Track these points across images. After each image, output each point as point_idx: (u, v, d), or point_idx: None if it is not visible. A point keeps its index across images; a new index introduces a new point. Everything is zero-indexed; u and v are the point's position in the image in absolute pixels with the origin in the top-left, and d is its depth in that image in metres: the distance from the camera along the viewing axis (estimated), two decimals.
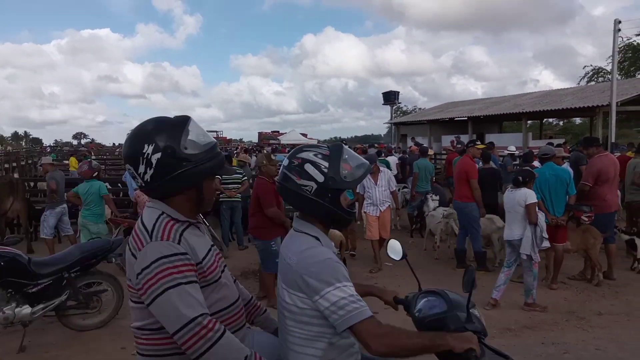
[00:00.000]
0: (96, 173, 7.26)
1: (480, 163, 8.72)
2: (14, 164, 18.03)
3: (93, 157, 17.53)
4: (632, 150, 9.92)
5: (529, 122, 30.17)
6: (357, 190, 7.11)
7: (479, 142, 7.50)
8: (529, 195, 5.36)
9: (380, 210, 7.22)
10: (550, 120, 43.58)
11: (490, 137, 22.91)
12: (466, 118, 27.25)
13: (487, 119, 27.38)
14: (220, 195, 8.79)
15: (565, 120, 43.92)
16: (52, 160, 9.38)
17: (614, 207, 6.73)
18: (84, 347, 4.64)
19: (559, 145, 9.47)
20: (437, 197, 9.06)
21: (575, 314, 5.32)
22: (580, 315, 5.26)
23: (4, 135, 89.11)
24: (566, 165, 7.52)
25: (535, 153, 9.73)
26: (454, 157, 12.14)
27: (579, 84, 36.30)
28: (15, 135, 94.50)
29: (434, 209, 8.49)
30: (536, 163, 8.10)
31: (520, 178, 5.51)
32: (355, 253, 8.12)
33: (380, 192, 7.21)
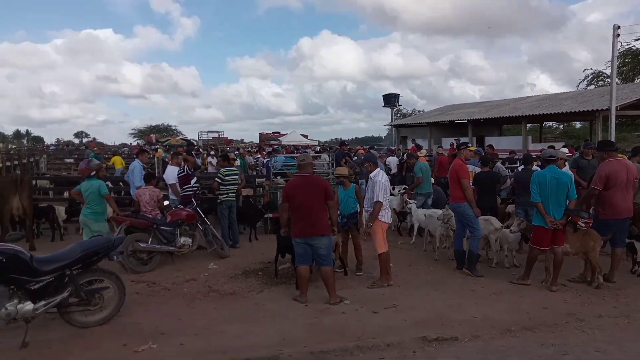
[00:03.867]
0: (94, 172, 7.27)
1: (479, 166, 8.78)
2: (16, 162, 18.03)
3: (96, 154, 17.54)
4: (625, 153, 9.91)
5: (529, 125, 30.21)
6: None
7: (470, 145, 7.52)
8: None
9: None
10: (550, 123, 43.65)
11: (490, 140, 22.96)
12: (466, 121, 27.28)
13: (487, 122, 27.40)
14: (220, 196, 8.81)
15: (565, 124, 43.96)
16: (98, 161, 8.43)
17: (625, 213, 6.48)
18: (85, 343, 4.65)
19: (552, 147, 9.48)
20: (414, 202, 9.36)
21: (575, 315, 5.34)
22: (580, 317, 5.27)
23: (6, 134, 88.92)
24: (566, 169, 7.54)
25: (535, 156, 9.77)
26: (444, 159, 12.22)
27: (578, 87, 36.37)
28: (17, 133, 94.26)
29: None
30: (535, 167, 8.13)
31: None
32: (351, 269, 7.21)
33: (366, 199, 6.84)
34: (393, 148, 22.91)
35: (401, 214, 9.89)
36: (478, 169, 8.85)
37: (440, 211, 8.16)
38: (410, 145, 24.63)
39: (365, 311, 5.54)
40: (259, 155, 18.61)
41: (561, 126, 46.90)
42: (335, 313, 5.51)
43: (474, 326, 5.03)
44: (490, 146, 15.03)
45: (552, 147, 13.71)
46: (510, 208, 8.89)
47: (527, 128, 27.60)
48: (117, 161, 16.78)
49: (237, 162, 13.12)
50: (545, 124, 38.91)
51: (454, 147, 14.86)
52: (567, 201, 6.24)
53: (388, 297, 6.04)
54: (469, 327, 5.01)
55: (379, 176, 6.59)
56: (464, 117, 28.03)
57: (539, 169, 6.96)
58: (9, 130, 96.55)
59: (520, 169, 8.74)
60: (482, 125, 28.21)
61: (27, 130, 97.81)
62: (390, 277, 6.58)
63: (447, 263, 7.69)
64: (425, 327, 5.02)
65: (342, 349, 4.47)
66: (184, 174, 8.73)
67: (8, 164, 17.67)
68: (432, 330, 4.91)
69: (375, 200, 6.44)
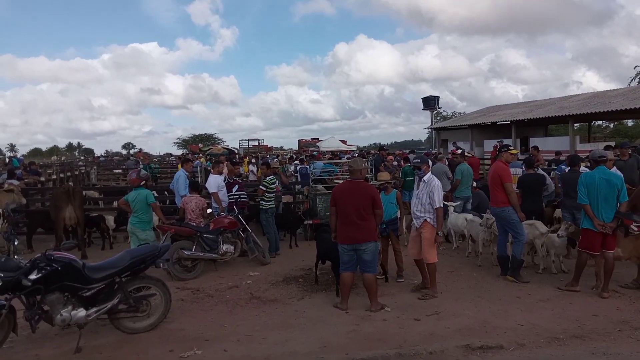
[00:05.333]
0: (143, 182, 7.56)
1: (524, 168, 8.52)
2: (69, 174, 18.97)
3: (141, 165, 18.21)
4: None
5: (576, 125, 29.05)
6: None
7: (511, 147, 7.30)
8: None
9: (415, 226, 6.52)
10: (600, 122, 41.83)
11: (534, 141, 22.22)
12: (509, 122, 26.54)
13: (531, 123, 26.53)
14: (265, 203, 8.95)
15: (616, 122, 42.02)
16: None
17: None
18: (134, 348, 4.83)
19: (608, 148, 9.09)
20: (457, 204, 9.19)
21: (628, 323, 5.09)
22: (634, 326, 5.03)
23: (59, 146, 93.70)
24: (615, 170, 7.21)
25: (584, 156, 9.40)
26: (474, 161, 11.87)
27: (629, 84, 34.68)
28: (70, 146, 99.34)
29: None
30: (582, 168, 7.81)
31: None
32: (392, 276, 7.17)
33: (415, 203, 6.49)
34: (433, 151, 22.56)
35: None
36: (520, 171, 8.61)
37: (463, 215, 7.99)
38: (451, 148, 24.16)
39: (406, 318, 5.49)
40: (296, 162, 18.75)
41: (611, 125, 44.88)
42: (376, 320, 5.48)
43: (520, 334, 4.89)
44: (536, 147, 14.57)
45: (609, 146, 13.10)
46: (559, 212, 8.59)
47: (575, 128, 26.55)
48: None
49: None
50: (594, 123, 37.34)
51: (496, 149, 14.50)
52: (618, 204, 5.99)
53: (430, 304, 5.95)
54: (515, 335, 4.87)
55: (436, 180, 6.38)
56: (507, 118, 27.27)
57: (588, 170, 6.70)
58: (62, 143, 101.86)
59: (567, 170, 8.41)
60: (526, 126, 27.36)
61: (78, 143, 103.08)
62: (436, 288, 6.37)
63: (490, 269, 7.50)
64: (468, 334, 4.92)
65: (384, 356, 4.44)
66: (225, 182, 8.95)
67: (62, 175, 18.59)
68: (475, 338, 4.80)
69: (437, 206, 6.19)
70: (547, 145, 22.09)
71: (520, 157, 13.75)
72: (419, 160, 6.77)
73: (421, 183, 6.44)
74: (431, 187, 6.27)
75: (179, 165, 11.77)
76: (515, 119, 26.05)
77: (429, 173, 6.51)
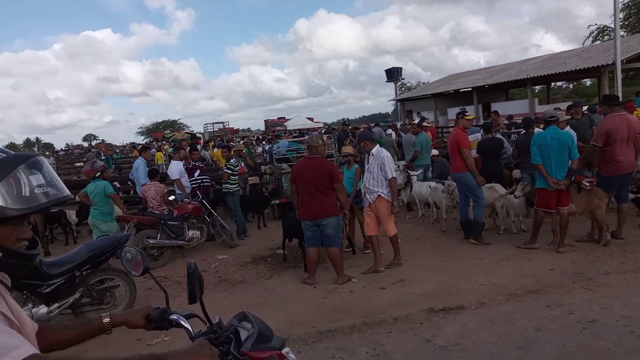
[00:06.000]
0: (99, 173, 7.36)
1: (482, 133, 8.70)
2: None
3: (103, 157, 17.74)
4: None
5: (537, 87, 29.68)
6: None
7: (468, 113, 7.39)
8: None
9: (369, 201, 6.39)
10: (559, 84, 42.90)
11: (496, 106, 22.65)
12: (471, 89, 26.90)
13: (492, 88, 26.96)
14: (225, 186, 8.87)
15: (574, 83, 43.16)
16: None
17: (628, 169, 6.37)
18: (100, 340, 4.70)
19: (557, 109, 9.33)
20: (418, 172, 9.37)
21: (582, 275, 5.33)
22: (587, 276, 5.26)
23: (16, 143, 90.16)
24: (568, 129, 7.44)
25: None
26: (432, 130, 12.05)
27: (584, 44, 35.51)
28: (28, 142, 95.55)
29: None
30: (537, 130, 8.03)
31: None
32: (359, 247, 7.24)
33: (367, 177, 6.34)
34: (397, 124, 22.76)
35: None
36: (479, 136, 8.78)
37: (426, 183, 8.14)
38: (416, 119, 24.42)
39: (372, 288, 5.60)
40: (264, 142, 18.62)
41: (571, 85, 46.08)
42: (343, 292, 5.57)
43: (481, 293, 5.06)
44: (496, 112, 14.84)
45: (558, 108, 13.48)
46: (517, 173, 8.84)
47: (536, 90, 27.11)
48: (159, 157, 17.43)
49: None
50: (554, 85, 38.25)
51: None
52: (570, 162, 6.20)
53: (395, 272, 6.07)
54: (476, 295, 5.04)
55: (384, 152, 6.31)
56: (469, 85, 27.62)
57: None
58: (19, 140, 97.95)
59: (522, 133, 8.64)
60: (488, 91, 27.79)
61: (37, 138, 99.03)
62: (400, 256, 6.40)
63: (455, 234, 7.69)
64: (432, 298, 5.06)
65: (350, 326, 4.53)
66: (186, 167, 8.82)
67: None
68: (439, 301, 4.94)
69: (389, 177, 6.10)
70: (508, 109, 22.53)
71: (482, 122, 14.01)
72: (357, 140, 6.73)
73: (370, 157, 6.30)
74: (381, 158, 6.16)
75: (135, 153, 11.52)
76: (476, 85, 26.43)
77: (377, 146, 6.41)
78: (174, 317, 1.68)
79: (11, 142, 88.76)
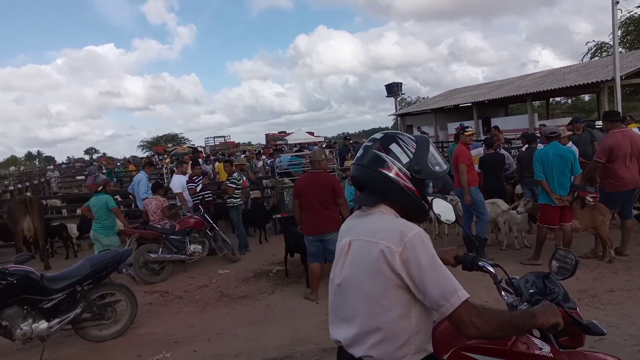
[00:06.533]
0: (101, 187, 7.35)
1: (484, 148, 8.71)
2: (27, 183, 18.31)
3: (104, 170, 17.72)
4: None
5: (536, 103, 29.82)
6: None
7: (469, 128, 7.42)
8: None
9: None
10: (558, 99, 43.10)
11: (496, 121, 22.74)
12: (470, 104, 27.05)
13: (492, 103, 27.14)
14: (229, 200, 8.86)
15: (573, 98, 43.38)
16: None
17: (632, 185, 6.34)
18: (101, 357, 4.74)
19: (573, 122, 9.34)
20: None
21: (587, 292, 5.29)
22: (592, 294, 5.23)
23: (18, 156, 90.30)
24: (570, 145, 7.45)
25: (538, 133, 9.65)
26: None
27: (582, 60, 35.79)
28: (29, 155, 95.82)
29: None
30: (539, 145, 8.04)
31: None
32: None
33: None
34: None
35: None
36: (482, 151, 8.78)
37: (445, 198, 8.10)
38: (416, 134, 24.49)
39: None
40: (264, 157, 18.63)
41: (569, 100, 46.30)
42: None
43: None
44: (496, 127, 14.88)
45: (544, 125, 13.53)
46: (520, 189, 8.83)
47: (535, 106, 27.20)
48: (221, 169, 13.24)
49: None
50: (553, 100, 38.44)
51: (458, 131, 14.74)
52: (572, 177, 6.19)
53: None
54: None
55: None
56: (468, 100, 27.79)
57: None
58: (20, 153, 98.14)
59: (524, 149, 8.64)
60: (488, 106, 27.96)
61: (38, 151, 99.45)
62: None
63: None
64: None
65: None
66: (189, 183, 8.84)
67: (19, 186, 17.94)
68: None
69: None
70: (508, 124, 22.65)
71: (482, 137, 14.03)
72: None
73: None
74: None
75: (130, 167, 11.33)
76: (476, 101, 26.58)
77: None
78: (481, 263, 1.96)
79: (12, 155, 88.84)
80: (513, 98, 25.34)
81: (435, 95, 39.94)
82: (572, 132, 8.83)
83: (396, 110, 36.70)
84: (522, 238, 7.51)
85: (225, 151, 28.93)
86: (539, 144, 8.11)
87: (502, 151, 9.45)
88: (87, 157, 72.36)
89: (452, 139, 16.42)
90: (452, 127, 24.37)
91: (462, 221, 7.32)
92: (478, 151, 8.92)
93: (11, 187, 16.97)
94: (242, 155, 19.41)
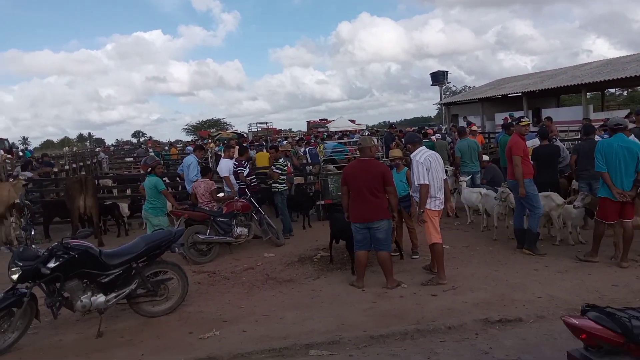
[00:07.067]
0: (150, 168, 7.54)
1: (538, 140, 8.37)
2: (80, 164, 19.11)
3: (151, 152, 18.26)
4: None
5: (589, 94, 28.49)
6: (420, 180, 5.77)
7: (525, 119, 7.13)
8: None
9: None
10: (613, 90, 41.00)
11: (547, 112, 21.89)
12: (520, 94, 26.11)
13: (542, 94, 26.09)
14: (274, 185, 8.93)
15: (630, 90, 41.17)
16: None
17: None
18: (154, 332, 4.89)
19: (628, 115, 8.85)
20: (467, 178, 9.09)
21: None
22: None
23: (70, 138, 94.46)
24: (633, 138, 7.05)
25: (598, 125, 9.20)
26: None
27: None
28: (80, 136, 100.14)
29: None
30: (597, 137, 7.66)
31: None
32: (407, 252, 7.12)
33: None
34: (442, 127, 22.34)
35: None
36: (537, 142, 8.45)
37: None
38: (462, 123, 23.90)
39: (423, 294, 5.47)
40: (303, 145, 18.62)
41: (625, 92, 43.99)
42: (393, 297, 5.47)
43: (539, 306, 4.85)
44: (549, 118, 14.33)
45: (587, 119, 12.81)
46: (576, 184, 8.45)
47: (588, 97, 25.97)
48: (261, 158, 12.91)
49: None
50: (607, 91, 36.60)
51: (506, 121, 14.25)
52: (636, 172, 5.86)
53: (446, 279, 5.92)
54: (533, 307, 4.84)
55: (418, 155, 5.91)
56: (518, 89, 26.83)
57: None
58: (72, 134, 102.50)
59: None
60: (538, 97, 26.94)
61: (89, 133, 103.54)
62: (444, 274, 5.84)
63: (506, 243, 7.44)
64: (486, 309, 4.90)
65: (402, 332, 4.45)
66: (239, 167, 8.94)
67: (74, 165, 18.74)
68: (494, 311, 4.78)
69: (418, 183, 5.78)
70: (560, 115, 21.74)
71: (532, 128, 13.52)
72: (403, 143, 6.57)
73: (413, 162, 6.03)
74: (414, 163, 5.88)
75: (172, 150, 11.51)
76: (526, 90, 25.64)
77: (416, 150, 6.05)
78: None
79: (65, 137, 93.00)
80: (566, 88, 24.29)
81: (483, 84, 38.80)
82: (634, 125, 8.35)
83: (441, 99, 35.94)
84: (577, 234, 7.20)
85: (268, 137, 29.21)
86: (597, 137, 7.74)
87: (558, 142, 9.06)
88: (134, 140, 74.68)
89: (500, 129, 15.94)
90: (500, 118, 23.64)
91: (514, 214, 7.11)
92: (534, 142, 8.59)
93: (67, 167, 17.73)
94: (285, 142, 19.54)
